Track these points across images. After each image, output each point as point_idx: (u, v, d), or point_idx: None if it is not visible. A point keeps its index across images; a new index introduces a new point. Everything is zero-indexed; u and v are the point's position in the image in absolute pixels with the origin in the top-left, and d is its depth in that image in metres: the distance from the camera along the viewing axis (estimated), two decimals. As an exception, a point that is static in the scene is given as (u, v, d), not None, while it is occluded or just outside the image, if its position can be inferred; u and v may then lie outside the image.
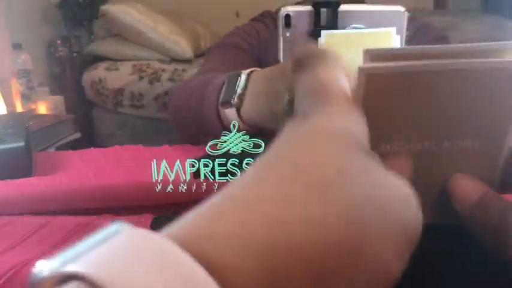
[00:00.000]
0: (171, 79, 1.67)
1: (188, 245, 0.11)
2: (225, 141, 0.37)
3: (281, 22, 0.51)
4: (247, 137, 0.37)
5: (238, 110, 0.44)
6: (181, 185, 0.36)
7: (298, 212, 0.13)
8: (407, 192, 0.15)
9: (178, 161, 0.36)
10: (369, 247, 0.13)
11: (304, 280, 0.12)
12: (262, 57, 0.83)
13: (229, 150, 0.37)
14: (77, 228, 0.34)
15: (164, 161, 0.36)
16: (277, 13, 0.51)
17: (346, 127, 0.16)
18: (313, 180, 0.13)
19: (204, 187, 0.36)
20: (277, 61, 0.64)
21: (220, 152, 0.36)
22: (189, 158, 0.36)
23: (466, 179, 0.22)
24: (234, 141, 0.37)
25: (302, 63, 0.18)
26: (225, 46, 0.85)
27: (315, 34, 0.51)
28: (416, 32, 0.76)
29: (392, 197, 0.15)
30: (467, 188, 0.22)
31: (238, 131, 0.37)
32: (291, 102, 0.19)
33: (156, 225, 0.35)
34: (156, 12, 1.81)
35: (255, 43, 0.84)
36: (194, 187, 0.36)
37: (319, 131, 0.16)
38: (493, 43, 0.21)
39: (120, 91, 1.70)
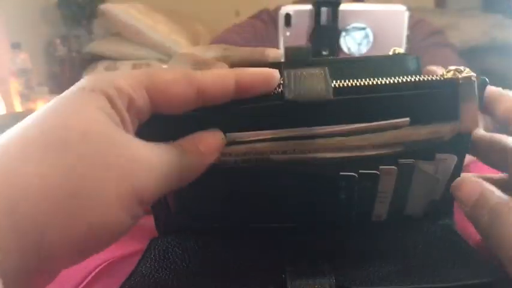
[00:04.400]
0: (170, 78, 1.66)
1: None
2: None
3: (281, 21, 0.51)
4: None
5: None
6: None
7: (33, 168, 0.16)
8: (145, 158, 0.19)
9: None
10: (90, 197, 0.17)
11: (36, 218, 0.15)
12: None
13: None
14: None
15: None
16: (275, 11, 0.51)
17: (101, 88, 0.19)
18: (52, 141, 0.17)
19: None
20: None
21: None
22: None
23: (466, 180, 0.23)
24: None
25: None
26: (221, 42, 0.87)
27: (315, 33, 0.51)
28: (412, 27, 0.76)
29: (124, 163, 0.18)
30: (468, 188, 0.22)
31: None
32: None
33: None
34: (156, 11, 1.81)
35: (251, 37, 0.86)
36: None
37: (75, 92, 0.19)
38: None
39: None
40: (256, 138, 0.23)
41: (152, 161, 0.19)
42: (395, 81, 0.22)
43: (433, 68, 0.25)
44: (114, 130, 0.18)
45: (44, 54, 1.92)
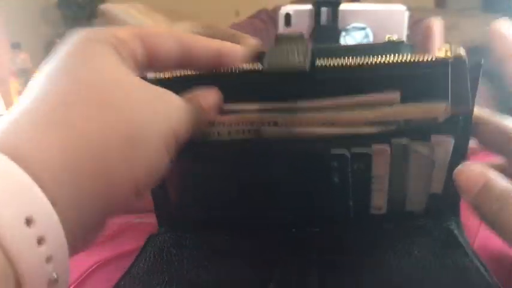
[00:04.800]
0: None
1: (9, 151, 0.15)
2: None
3: (281, 21, 0.51)
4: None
5: None
6: None
7: (87, 124, 0.17)
8: (173, 101, 0.21)
9: None
10: (142, 138, 0.18)
11: (95, 167, 0.17)
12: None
13: None
14: (121, 228, 0.35)
15: None
16: (274, 11, 0.51)
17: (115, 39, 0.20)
18: (97, 98, 0.17)
19: None
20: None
21: None
22: None
23: (469, 169, 0.22)
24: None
25: None
26: None
27: (315, 33, 0.51)
28: (412, 27, 0.77)
29: (162, 104, 0.20)
30: (472, 175, 0.22)
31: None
32: None
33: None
34: (156, 11, 1.81)
35: (251, 34, 0.87)
36: None
37: (92, 43, 0.19)
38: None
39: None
40: (249, 108, 0.24)
41: (180, 104, 0.21)
42: (383, 61, 0.23)
43: (433, 22, 0.25)
44: (138, 77, 0.20)
45: (44, 54, 1.92)
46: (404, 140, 0.24)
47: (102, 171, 0.17)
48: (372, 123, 0.23)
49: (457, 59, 0.22)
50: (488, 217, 0.21)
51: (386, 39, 0.27)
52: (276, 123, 0.24)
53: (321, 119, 0.23)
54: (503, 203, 0.20)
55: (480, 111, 0.25)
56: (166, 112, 0.20)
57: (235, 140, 0.24)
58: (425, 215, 0.27)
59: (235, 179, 0.26)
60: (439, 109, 0.23)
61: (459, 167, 0.23)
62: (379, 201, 0.26)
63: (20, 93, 1.60)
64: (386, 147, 0.24)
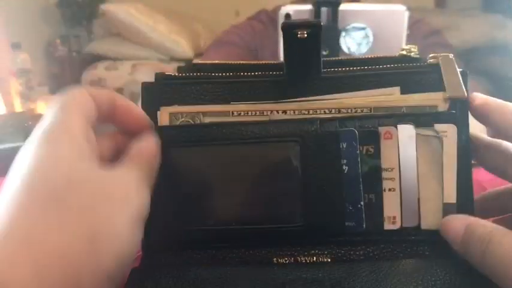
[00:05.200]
0: (170, 78, 1.66)
1: None
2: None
3: (281, 21, 0.51)
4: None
5: None
6: None
7: (51, 234, 0.17)
8: (132, 180, 0.21)
9: None
10: (107, 231, 0.18)
11: (64, 275, 0.17)
12: (259, 50, 0.88)
13: None
14: None
15: None
16: (274, 11, 0.51)
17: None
18: (53, 202, 0.18)
19: None
20: (274, 56, 0.64)
21: None
22: None
23: (452, 218, 0.24)
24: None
25: None
26: (221, 43, 0.90)
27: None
28: (411, 27, 0.77)
29: (122, 190, 0.20)
30: (454, 225, 0.24)
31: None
32: None
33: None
34: (156, 11, 1.81)
35: (249, 39, 0.89)
36: None
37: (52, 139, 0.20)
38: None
39: (119, 91, 1.70)
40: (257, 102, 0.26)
41: (138, 184, 0.21)
42: (382, 67, 0.27)
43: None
44: (96, 169, 0.20)
45: (44, 54, 1.92)
46: (409, 123, 0.25)
47: (73, 277, 0.17)
48: (377, 109, 0.26)
49: (446, 58, 0.26)
50: (476, 260, 0.22)
51: (401, 52, 0.29)
52: (284, 112, 0.26)
53: (327, 106, 0.26)
54: (487, 241, 0.21)
55: (480, 134, 0.26)
56: (128, 200, 0.20)
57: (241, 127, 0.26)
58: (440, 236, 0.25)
59: (238, 182, 0.25)
60: (438, 97, 0.26)
61: (443, 220, 0.24)
62: (392, 208, 0.25)
63: (20, 93, 1.60)
64: (393, 129, 0.25)
